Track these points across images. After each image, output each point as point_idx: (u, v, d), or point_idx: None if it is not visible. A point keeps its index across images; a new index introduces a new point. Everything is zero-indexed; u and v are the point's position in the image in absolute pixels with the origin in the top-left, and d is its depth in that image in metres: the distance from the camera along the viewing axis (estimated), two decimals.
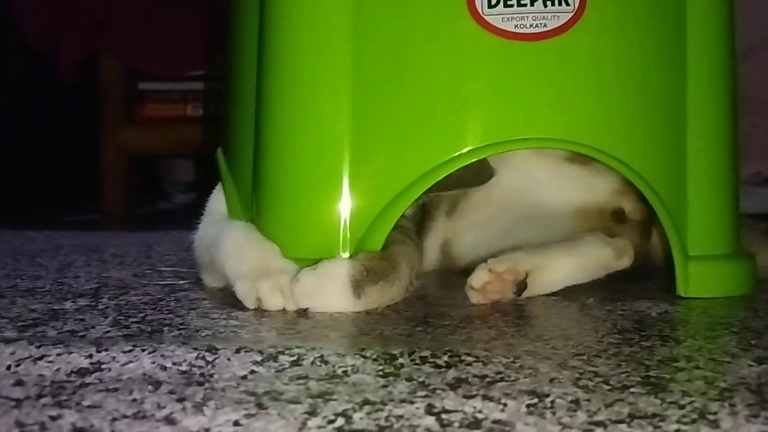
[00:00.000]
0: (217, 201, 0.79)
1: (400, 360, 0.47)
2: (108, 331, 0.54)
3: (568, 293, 0.69)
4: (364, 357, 0.47)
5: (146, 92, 1.82)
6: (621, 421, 0.36)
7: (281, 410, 0.37)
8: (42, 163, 1.71)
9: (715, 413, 0.37)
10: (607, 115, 0.65)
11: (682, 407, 0.38)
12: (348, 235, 0.63)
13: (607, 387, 0.42)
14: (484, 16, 0.62)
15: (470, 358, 0.47)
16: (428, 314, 0.61)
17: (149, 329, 0.55)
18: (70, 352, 0.47)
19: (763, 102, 2.13)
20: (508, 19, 0.62)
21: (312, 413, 0.37)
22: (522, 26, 0.62)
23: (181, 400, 0.39)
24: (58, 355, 0.46)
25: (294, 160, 0.66)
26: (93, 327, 0.55)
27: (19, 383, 0.42)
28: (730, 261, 0.70)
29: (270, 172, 0.67)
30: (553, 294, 0.68)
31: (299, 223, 0.65)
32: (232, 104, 0.76)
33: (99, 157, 1.73)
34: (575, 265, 0.69)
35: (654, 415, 0.37)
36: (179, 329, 0.55)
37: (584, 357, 0.48)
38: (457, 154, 0.62)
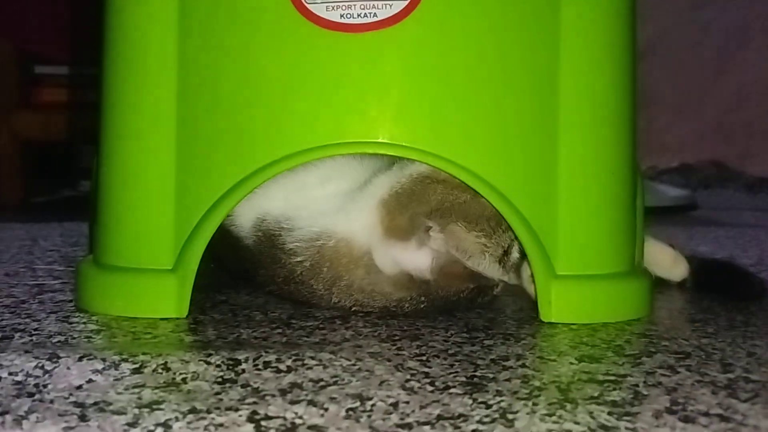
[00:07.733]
0: None
1: (243, 365, 0.48)
2: None
3: None
4: (208, 363, 0.48)
5: (43, 76, 1.76)
6: (427, 423, 0.39)
7: (102, 422, 0.38)
8: None
9: (516, 412, 0.40)
10: (451, 118, 0.59)
11: (489, 407, 0.41)
12: (171, 241, 0.61)
13: (431, 388, 0.44)
14: (307, 5, 0.58)
15: (313, 362, 0.49)
16: (293, 315, 0.63)
17: None
18: None
19: (659, 98, 2.24)
20: (333, 8, 0.58)
21: (134, 424, 0.38)
22: (348, 16, 0.58)
23: (3, 413, 0.39)
24: None
25: (120, 162, 0.63)
26: None
27: None
28: (613, 282, 0.62)
29: (101, 174, 0.65)
30: None
31: (123, 228, 0.63)
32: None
33: None
34: None
35: (459, 416, 0.40)
36: (31, 335, 0.55)
37: (423, 358, 0.51)
38: (280, 156, 0.59)
